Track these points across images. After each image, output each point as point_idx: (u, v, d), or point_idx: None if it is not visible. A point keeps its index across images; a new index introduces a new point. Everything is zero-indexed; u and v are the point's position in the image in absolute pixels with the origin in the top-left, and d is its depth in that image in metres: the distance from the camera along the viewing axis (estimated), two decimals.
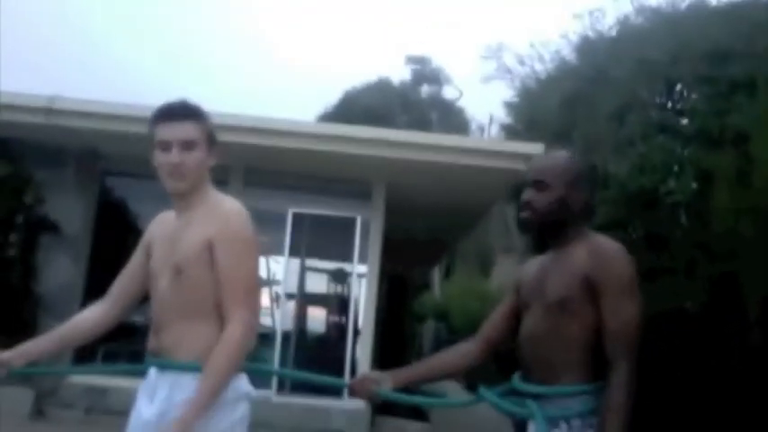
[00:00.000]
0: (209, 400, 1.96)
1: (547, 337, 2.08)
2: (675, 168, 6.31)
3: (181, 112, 2.14)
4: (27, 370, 2.27)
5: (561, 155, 2.27)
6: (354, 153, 7.46)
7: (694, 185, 6.07)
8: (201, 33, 61.82)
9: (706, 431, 5.55)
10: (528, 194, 2.16)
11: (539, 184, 2.15)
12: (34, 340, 2.25)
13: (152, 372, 2.16)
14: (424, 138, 8.40)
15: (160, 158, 2.12)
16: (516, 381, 2.17)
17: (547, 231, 2.18)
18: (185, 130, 2.11)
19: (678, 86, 6.85)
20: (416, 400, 2.46)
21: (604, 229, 5.66)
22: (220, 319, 2.07)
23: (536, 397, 2.07)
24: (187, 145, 2.10)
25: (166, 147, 2.10)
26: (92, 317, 2.30)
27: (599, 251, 2.03)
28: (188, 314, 2.09)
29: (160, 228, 2.26)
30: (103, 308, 2.31)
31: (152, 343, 2.17)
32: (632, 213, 5.91)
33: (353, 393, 2.38)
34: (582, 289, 2.01)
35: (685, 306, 5.51)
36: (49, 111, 7.15)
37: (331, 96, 30.02)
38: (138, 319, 8.09)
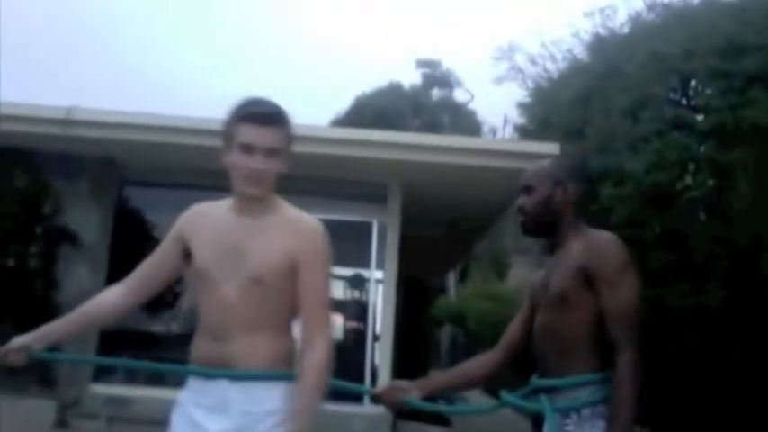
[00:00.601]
0: (309, 425, 1.96)
1: (553, 331, 2.17)
2: (691, 165, 6.27)
3: (272, 117, 2.05)
4: (47, 355, 2.22)
5: (548, 159, 2.41)
6: (369, 157, 7.47)
7: (711, 182, 6.03)
8: (211, 38, 62.15)
9: (725, 427, 5.51)
10: (520, 200, 2.32)
11: (526, 189, 2.30)
12: (52, 324, 2.19)
13: (213, 382, 2.06)
14: (438, 140, 8.42)
15: (239, 160, 2.02)
16: (533, 379, 2.25)
17: (543, 232, 2.30)
18: (273, 137, 2.03)
19: (692, 82, 6.81)
20: (442, 408, 2.51)
21: (621, 226, 5.65)
22: (289, 328, 2.10)
23: (548, 391, 2.15)
24: (271, 152, 2.02)
25: (250, 150, 2.01)
26: (111, 301, 2.22)
27: (591, 242, 2.13)
28: (262, 323, 2.06)
29: (207, 225, 2.15)
30: (121, 293, 2.22)
31: (211, 351, 2.07)
32: (649, 210, 5.88)
33: (380, 401, 2.44)
34: (578, 280, 2.10)
35: (706, 302, 5.47)
36: (66, 122, 7.23)
37: (343, 102, 30.08)
38: (157, 328, 8.16)
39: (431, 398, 2.43)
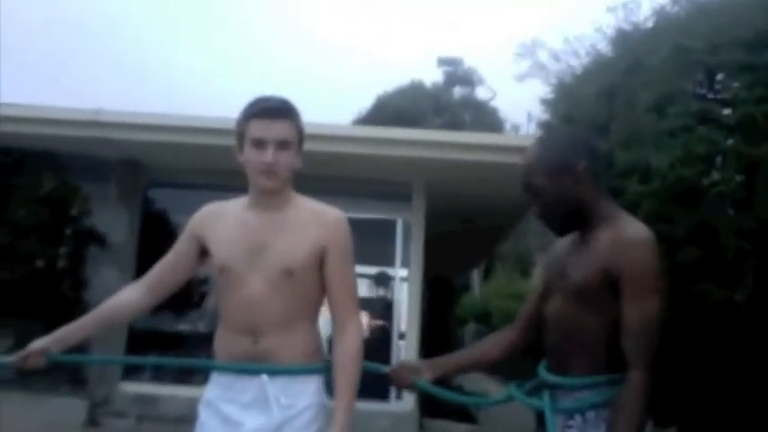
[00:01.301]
0: (353, 412, 2.02)
1: (565, 325, 2.03)
2: (719, 159, 6.19)
3: (279, 110, 2.10)
4: (66, 357, 2.22)
5: (538, 148, 2.11)
6: (393, 155, 7.48)
7: (739, 177, 5.95)
8: (230, 37, 62.40)
9: (755, 426, 5.44)
10: (532, 207, 2.11)
11: (529, 190, 2.08)
12: (70, 326, 2.20)
13: (248, 378, 2.08)
14: (461, 137, 8.41)
15: (252, 156, 2.07)
16: (540, 369, 2.14)
17: (574, 225, 2.08)
18: (282, 129, 2.07)
19: (719, 76, 6.72)
20: (449, 395, 2.43)
21: (648, 221, 5.57)
22: (316, 320, 2.16)
23: (554, 387, 2.05)
24: (282, 144, 2.07)
25: (261, 145, 2.06)
26: (127, 302, 2.24)
27: (622, 239, 1.92)
28: (292, 316, 2.09)
29: (223, 223, 2.18)
30: (138, 295, 2.24)
31: (245, 347, 2.09)
32: (676, 206, 5.82)
33: (392, 382, 2.35)
34: (601, 278, 1.93)
35: (735, 297, 5.41)
36: (93, 123, 7.31)
37: (364, 101, 30.15)
38: (184, 328, 8.24)
39: (444, 380, 2.32)
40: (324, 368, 2.16)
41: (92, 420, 7.34)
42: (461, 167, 7.62)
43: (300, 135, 2.14)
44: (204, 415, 2.13)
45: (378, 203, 8.24)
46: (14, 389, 6.70)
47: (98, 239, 7.83)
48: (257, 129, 2.06)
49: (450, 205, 8.87)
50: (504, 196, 8.63)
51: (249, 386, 2.07)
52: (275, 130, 2.06)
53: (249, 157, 2.08)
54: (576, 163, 2.01)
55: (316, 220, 2.12)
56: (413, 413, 7.53)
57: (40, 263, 7.76)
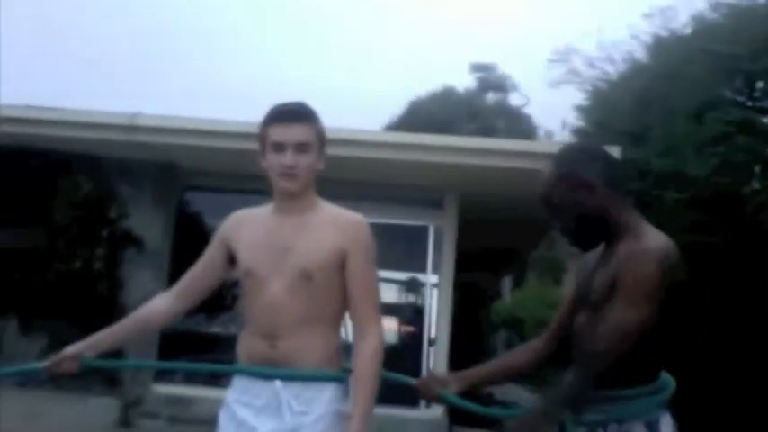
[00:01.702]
0: (370, 418, 1.98)
1: (587, 338, 2.02)
2: (758, 168, 6.08)
3: (296, 113, 2.14)
4: (99, 362, 2.26)
5: (549, 165, 2.15)
6: (425, 161, 7.46)
7: None
8: (266, 41, 62.76)
9: None
10: (556, 225, 2.14)
11: (551, 211, 2.12)
12: (104, 332, 2.25)
13: (263, 382, 2.09)
14: (494, 143, 8.36)
15: (273, 159, 2.12)
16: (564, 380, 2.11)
17: (600, 238, 2.08)
18: (300, 132, 2.11)
19: (759, 83, 6.61)
20: (475, 408, 2.38)
21: (687, 231, 5.50)
22: (339, 325, 2.14)
23: None
24: (301, 147, 2.10)
25: (280, 148, 2.10)
26: (160, 308, 2.29)
27: (630, 248, 1.92)
28: (312, 320, 2.08)
29: (249, 228, 2.21)
30: (169, 302, 2.30)
31: (263, 351, 2.10)
32: (715, 215, 5.73)
33: (419, 394, 2.34)
34: (611, 290, 1.93)
35: None
36: (130, 128, 7.41)
37: (397, 107, 30.10)
38: (219, 329, 8.30)
39: (471, 391, 2.29)
40: (339, 375, 2.13)
41: (124, 421, 7.42)
42: (494, 174, 7.58)
43: (320, 137, 2.17)
44: (222, 419, 2.16)
45: (409, 209, 8.23)
46: (48, 388, 6.81)
47: (134, 242, 7.92)
48: (276, 133, 2.11)
49: (483, 211, 8.82)
50: (537, 203, 8.56)
51: (263, 391, 2.08)
52: (293, 133, 2.10)
53: (270, 161, 2.13)
54: (585, 174, 2.03)
55: (336, 224, 2.13)
56: (443, 420, 7.49)
57: (77, 264, 7.87)
